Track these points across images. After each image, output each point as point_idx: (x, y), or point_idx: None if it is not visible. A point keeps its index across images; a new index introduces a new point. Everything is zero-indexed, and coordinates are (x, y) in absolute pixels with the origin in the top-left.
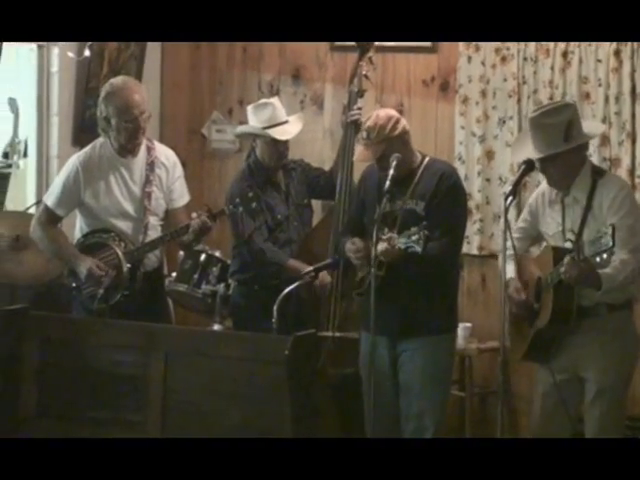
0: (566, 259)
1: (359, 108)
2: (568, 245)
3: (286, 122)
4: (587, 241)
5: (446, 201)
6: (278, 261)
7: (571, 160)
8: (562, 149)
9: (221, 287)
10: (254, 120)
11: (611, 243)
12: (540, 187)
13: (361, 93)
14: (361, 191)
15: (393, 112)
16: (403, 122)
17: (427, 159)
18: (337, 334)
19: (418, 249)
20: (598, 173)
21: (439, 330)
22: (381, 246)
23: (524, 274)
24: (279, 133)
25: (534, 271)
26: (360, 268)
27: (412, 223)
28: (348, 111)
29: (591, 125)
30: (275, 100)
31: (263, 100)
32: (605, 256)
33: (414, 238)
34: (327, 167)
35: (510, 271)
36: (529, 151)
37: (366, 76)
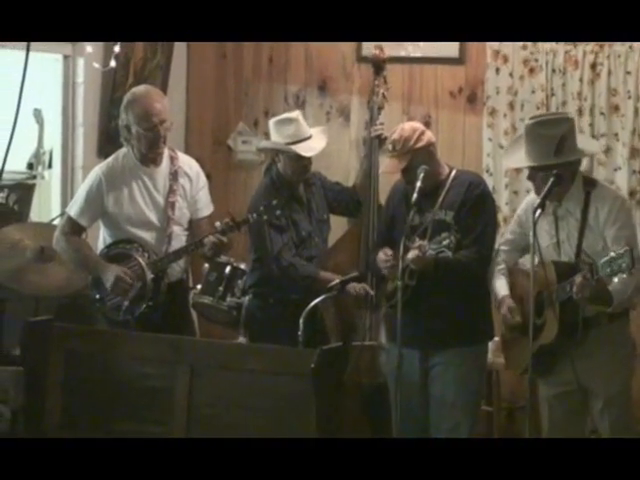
0: (578, 278)
1: (381, 123)
2: (566, 259)
3: (310, 137)
4: (600, 262)
5: (475, 209)
6: (310, 274)
7: (561, 174)
8: (551, 162)
9: (246, 300)
10: (277, 135)
11: (631, 264)
12: (529, 197)
13: (380, 110)
14: (390, 207)
15: (418, 124)
16: (428, 134)
17: (455, 171)
18: (370, 343)
19: (449, 253)
20: (590, 184)
21: (472, 341)
22: (412, 254)
23: (517, 288)
24: (304, 149)
25: (530, 285)
26: (391, 279)
27: (442, 232)
28: (371, 126)
29: (588, 142)
30: (298, 114)
31: (285, 115)
32: (625, 276)
33: (445, 243)
34: (353, 179)
35: (502, 287)
36: (520, 158)
37: (383, 95)
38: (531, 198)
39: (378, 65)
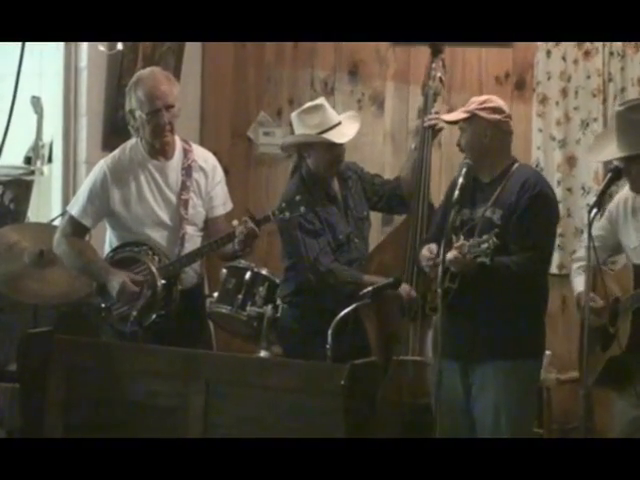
0: None
1: (436, 112)
2: None
3: (339, 124)
4: None
5: (529, 212)
6: (352, 279)
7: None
8: None
9: (269, 309)
10: (302, 128)
11: None
12: (622, 192)
13: (435, 97)
14: (447, 200)
15: (503, 105)
16: (503, 118)
17: (517, 165)
18: (414, 357)
19: (486, 259)
20: None
21: (521, 355)
22: (451, 254)
23: (600, 290)
24: (337, 136)
25: (612, 289)
26: (442, 281)
27: (488, 232)
28: (423, 115)
29: None
30: (323, 101)
31: (308, 104)
32: None
33: (483, 247)
34: (387, 175)
35: (579, 284)
36: (612, 150)
37: (441, 79)
38: (624, 193)
39: (436, 46)
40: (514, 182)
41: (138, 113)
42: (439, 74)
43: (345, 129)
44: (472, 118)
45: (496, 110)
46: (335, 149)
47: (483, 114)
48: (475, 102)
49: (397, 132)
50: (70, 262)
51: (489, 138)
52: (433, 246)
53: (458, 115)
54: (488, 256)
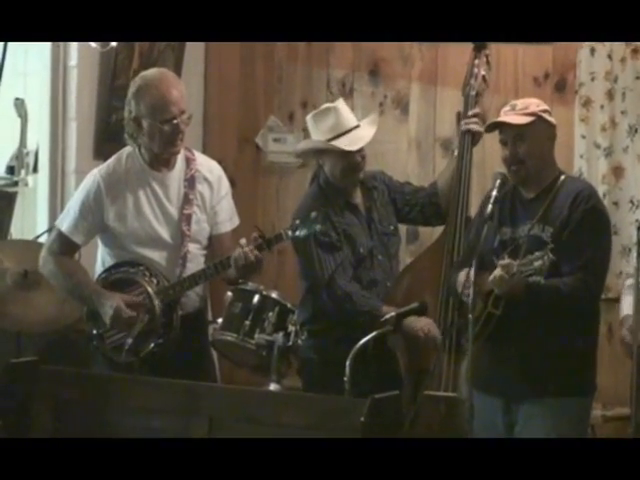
0: None
1: (476, 114)
2: None
3: (356, 127)
4: None
5: (582, 228)
6: (369, 308)
7: None
8: None
9: (279, 337)
10: (315, 132)
11: None
12: None
13: (477, 98)
14: (477, 218)
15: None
16: (554, 122)
17: (564, 177)
18: (447, 393)
19: (540, 278)
20: None
21: (569, 391)
22: (496, 273)
23: None
24: (346, 143)
25: (635, 317)
26: (473, 307)
27: (536, 251)
28: (464, 117)
29: None
30: (339, 103)
31: (324, 105)
32: None
33: (537, 264)
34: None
35: (627, 305)
36: None
37: (484, 78)
38: None
39: (480, 43)
40: (564, 196)
41: (149, 121)
42: (482, 72)
43: (361, 133)
44: (535, 122)
45: (549, 113)
46: (349, 156)
47: (547, 117)
48: (529, 103)
49: (423, 139)
50: (58, 284)
51: (548, 147)
52: (469, 271)
53: (521, 119)
54: (542, 274)
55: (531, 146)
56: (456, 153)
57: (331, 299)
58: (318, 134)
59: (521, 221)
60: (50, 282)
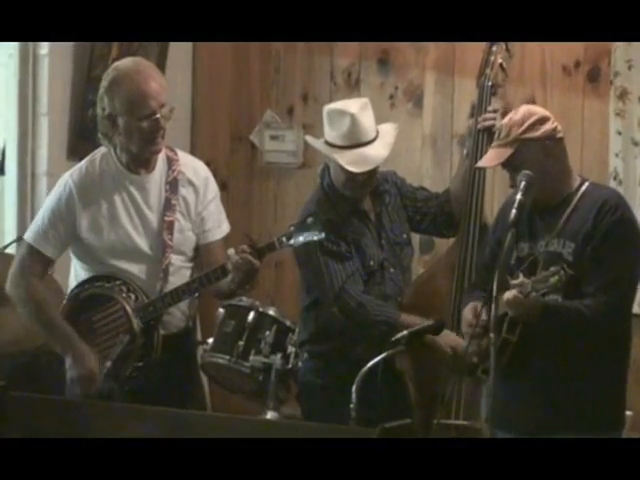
0: None
1: (494, 110)
2: None
3: (370, 142)
4: None
5: (607, 243)
6: (386, 318)
7: None
8: None
9: (277, 359)
10: (329, 130)
11: None
12: None
13: (495, 89)
14: (498, 227)
15: (540, 110)
16: (552, 124)
17: (587, 185)
18: (462, 422)
19: (557, 296)
20: None
21: (596, 426)
22: (509, 294)
23: None
24: (350, 160)
25: None
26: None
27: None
28: (478, 114)
29: None
30: (361, 106)
31: (341, 105)
32: None
33: (552, 280)
34: (428, 187)
35: None
36: None
37: (502, 66)
38: None
39: None
40: (587, 205)
41: (124, 119)
42: (500, 60)
43: (372, 153)
44: (521, 150)
45: (541, 121)
46: (352, 173)
47: (529, 135)
48: (511, 125)
49: (439, 136)
50: (25, 313)
51: (552, 162)
52: (478, 305)
53: (500, 154)
54: (560, 291)
55: (529, 173)
56: (465, 153)
57: (343, 311)
58: (327, 134)
59: (540, 235)
60: (17, 308)
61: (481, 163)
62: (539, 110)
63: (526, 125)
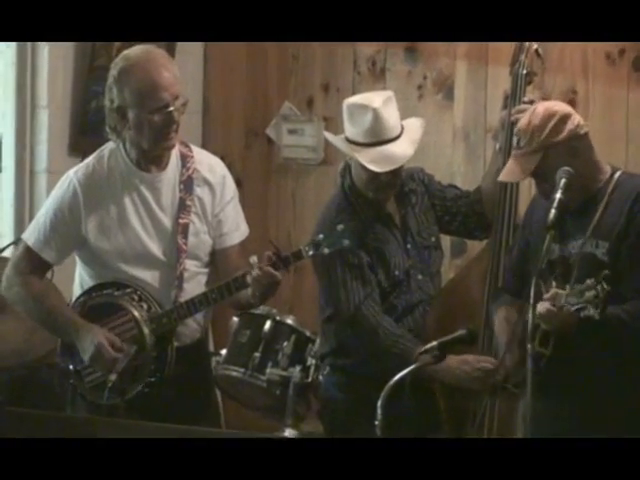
0: None
1: (530, 101)
2: None
3: (395, 139)
4: None
5: None
6: (399, 351)
7: None
8: None
9: (296, 371)
10: (349, 125)
11: None
12: None
13: (530, 78)
14: (526, 228)
15: (560, 107)
16: (575, 121)
17: (618, 174)
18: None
19: (594, 312)
20: None
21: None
22: (541, 307)
23: None
24: (372, 159)
25: None
26: (534, 339)
27: (591, 274)
28: (512, 104)
29: None
30: (383, 100)
31: (363, 98)
32: None
33: (588, 295)
34: (460, 185)
35: None
36: None
37: (537, 52)
38: None
39: None
40: (620, 198)
41: (134, 112)
42: (535, 46)
43: (396, 150)
44: (548, 155)
45: (563, 120)
46: (376, 172)
47: (554, 140)
48: (532, 130)
49: (471, 129)
50: (26, 310)
51: (578, 160)
52: (507, 309)
53: (524, 166)
54: (598, 307)
55: (557, 173)
56: (497, 147)
57: (356, 335)
58: (348, 131)
59: (571, 235)
60: (16, 307)
61: (504, 177)
62: (558, 107)
63: (549, 128)
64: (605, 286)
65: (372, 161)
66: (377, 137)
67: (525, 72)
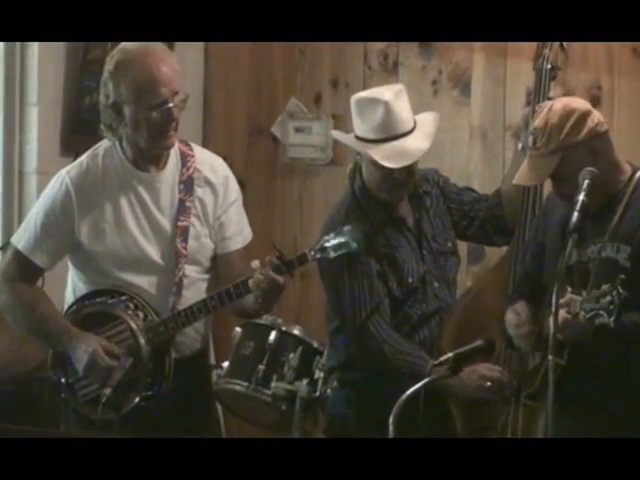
0: None
1: (554, 97)
2: None
3: (408, 133)
4: None
5: None
6: (409, 370)
7: None
8: None
9: (303, 385)
10: (358, 122)
11: None
12: None
13: (554, 72)
14: (540, 230)
15: (578, 103)
16: (594, 118)
17: (639, 174)
18: None
19: (609, 319)
20: None
21: None
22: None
23: None
24: (385, 154)
25: None
26: (531, 353)
27: (605, 282)
28: (535, 101)
29: None
30: (394, 93)
31: (372, 92)
32: None
33: (604, 301)
34: (478, 187)
35: None
36: None
37: (562, 46)
38: None
39: None
40: None
41: (131, 108)
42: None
43: (410, 145)
44: (569, 156)
45: (583, 118)
46: (388, 170)
47: (573, 140)
48: (550, 130)
49: (489, 127)
50: (15, 318)
51: (599, 160)
52: (521, 306)
53: (542, 169)
54: (612, 314)
55: (575, 180)
56: (519, 147)
57: (362, 351)
58: (358, 128)
59: (590, 239)
60: (4, 316)
61: (519, 180)
62: (576, 103)
63: (567, 128)
64: (621, 291)
65: (385, 157)
66: (389, 132)
67: (549, 67)
